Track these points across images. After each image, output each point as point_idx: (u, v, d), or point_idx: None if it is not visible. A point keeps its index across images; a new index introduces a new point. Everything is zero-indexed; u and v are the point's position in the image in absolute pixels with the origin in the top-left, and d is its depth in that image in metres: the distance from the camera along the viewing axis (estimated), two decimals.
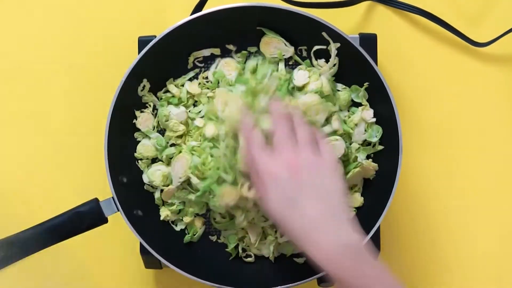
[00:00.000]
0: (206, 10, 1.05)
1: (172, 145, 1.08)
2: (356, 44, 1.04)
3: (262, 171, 0.89)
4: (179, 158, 1.06)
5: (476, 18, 1.20)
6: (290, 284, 1.02)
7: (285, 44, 1.09)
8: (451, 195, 1.19)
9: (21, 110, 1.20)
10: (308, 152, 0.90)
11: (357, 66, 1.05)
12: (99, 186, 1.06)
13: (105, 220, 1.00)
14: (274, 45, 1.09)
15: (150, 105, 1.10)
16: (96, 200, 1.00)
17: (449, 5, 1.20)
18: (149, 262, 1.10)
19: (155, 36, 1.04)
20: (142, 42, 1.07)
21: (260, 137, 0.92)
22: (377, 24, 1.21)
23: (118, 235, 1.16)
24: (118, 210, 1.00)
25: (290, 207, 0.86)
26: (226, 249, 1.10)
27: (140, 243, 1.05)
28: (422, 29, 1.20)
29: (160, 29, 1.04)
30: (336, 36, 1.05)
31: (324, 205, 0.87)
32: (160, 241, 1.05)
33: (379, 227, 1.03)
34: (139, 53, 1.04)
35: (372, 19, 1.21)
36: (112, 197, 1.00)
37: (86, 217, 0.98)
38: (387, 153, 1.05)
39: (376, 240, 1.08)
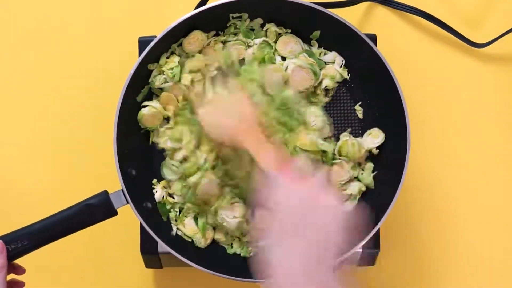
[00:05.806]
0: (208, 4, 1.04)
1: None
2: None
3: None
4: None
5: (475, 19, 1.22)
6: None
7: (302, 46, 1.09)
8: (451, 194, 1.19)
9: (32, 105, 1.20)
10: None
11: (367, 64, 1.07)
12: (109, 179, 1.05)
13: (114, 213, 0.99)
14: (291, 45, 1.08)
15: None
16: (105, 193, 0.99)
17: (448, 6, 1.22)
18: (150, 261, 1.10)
19: (155, 37, 1.03)
20: (143, 42, 1.07)
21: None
22: (376, 25, 1.22)
23: (118, 234, 1.15)
24: (128, 202, 0.99)
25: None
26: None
27: (141, 242, 1.05)
28: (421, 30, 1.22)
29: (160, 30, 1.03)
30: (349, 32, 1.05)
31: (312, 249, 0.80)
32: (169, 233, 1.06)
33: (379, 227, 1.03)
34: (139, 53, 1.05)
35: (372, 19, 1.22)
36: (122, 190, 0.99)
37: (96, 209, 0.97)
38: (393, 152, 1.05)
39: (376, 240, 1.08)
